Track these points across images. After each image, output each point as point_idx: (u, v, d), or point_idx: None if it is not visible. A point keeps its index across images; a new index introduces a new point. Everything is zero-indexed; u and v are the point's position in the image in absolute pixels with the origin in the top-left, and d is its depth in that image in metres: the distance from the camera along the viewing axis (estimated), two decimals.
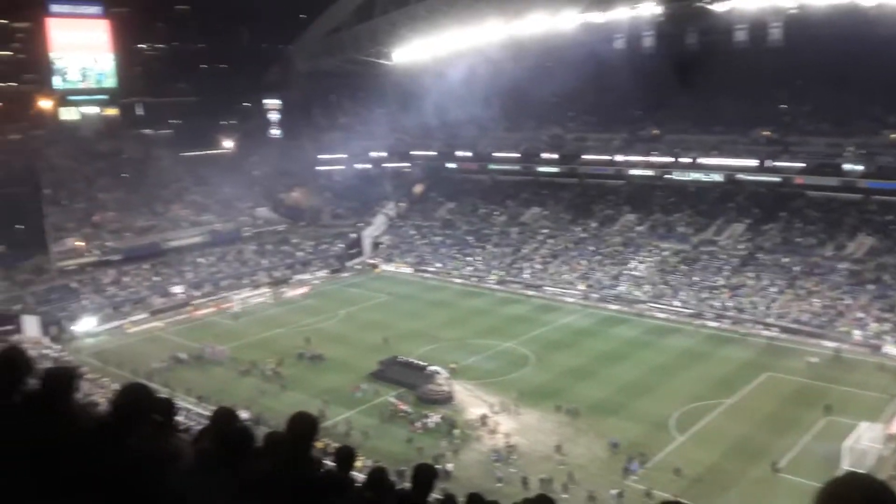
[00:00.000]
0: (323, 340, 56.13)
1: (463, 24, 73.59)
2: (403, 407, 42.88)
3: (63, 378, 3.23)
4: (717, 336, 56.15)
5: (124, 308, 64.44)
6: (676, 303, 61.99)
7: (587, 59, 74.30)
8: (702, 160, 74.15)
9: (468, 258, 78.08)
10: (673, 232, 71.94)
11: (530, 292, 69.33)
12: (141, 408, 3.36)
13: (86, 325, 60.73)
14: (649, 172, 78.05)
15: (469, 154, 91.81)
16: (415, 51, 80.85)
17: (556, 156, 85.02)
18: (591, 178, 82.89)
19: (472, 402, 44.46)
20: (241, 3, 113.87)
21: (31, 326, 57.32)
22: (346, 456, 4.93)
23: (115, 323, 61.96)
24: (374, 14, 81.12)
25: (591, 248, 73.49)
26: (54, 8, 79.41)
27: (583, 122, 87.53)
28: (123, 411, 3.26)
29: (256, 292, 70.69)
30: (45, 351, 52.23)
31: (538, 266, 73.13)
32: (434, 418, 41.53)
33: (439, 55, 78.52)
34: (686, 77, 72.49)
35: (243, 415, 39.01)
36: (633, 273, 67.75)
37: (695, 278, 64.49)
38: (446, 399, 44.26)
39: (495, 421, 41.09)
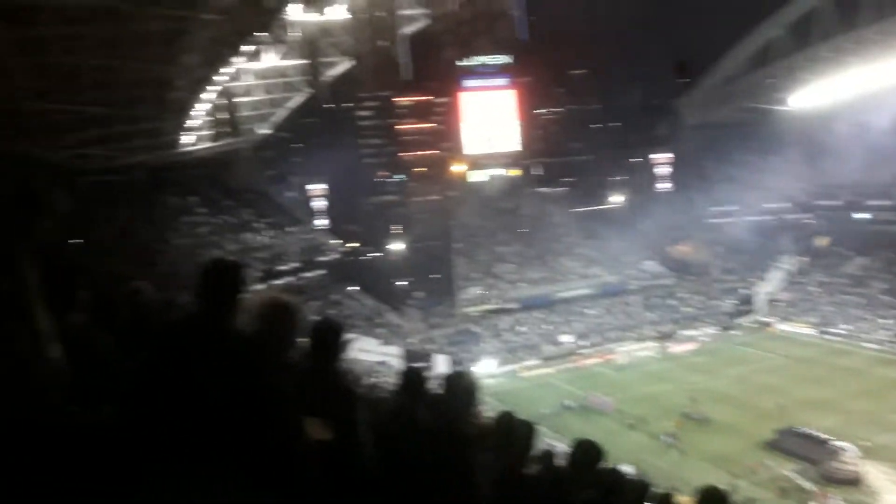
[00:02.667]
0: (710, 401, 53.50)
1: (873, 62, 66.45)
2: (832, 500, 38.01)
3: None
4: None
5: (518, 353, 69.43)
6: None
7: None
8: None
9: (884, 321, 68.34)
10: None
11: None
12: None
13: (485, 366, 66.46)
14: None
15: (886, 203, 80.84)
16: (815, 94, 74.95)
17: None
18: None
19: (891, 489, 38.43)
20: (633, 64, 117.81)
21: (441, 364, 64.65)
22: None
23: (510, 367, 66.94)
24: (767, 61, 77.62)
25: None
26: (467, 83, 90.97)
27: None
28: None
29: (641, 345, 70.61)
30: None
31: None
32: (837, 501, 36.83)
33: (844, 97, 71.66)
34: None
35: (626, 468, 39.02)
36: None
37: None
38: (853, 480, 38.97)
39: None
